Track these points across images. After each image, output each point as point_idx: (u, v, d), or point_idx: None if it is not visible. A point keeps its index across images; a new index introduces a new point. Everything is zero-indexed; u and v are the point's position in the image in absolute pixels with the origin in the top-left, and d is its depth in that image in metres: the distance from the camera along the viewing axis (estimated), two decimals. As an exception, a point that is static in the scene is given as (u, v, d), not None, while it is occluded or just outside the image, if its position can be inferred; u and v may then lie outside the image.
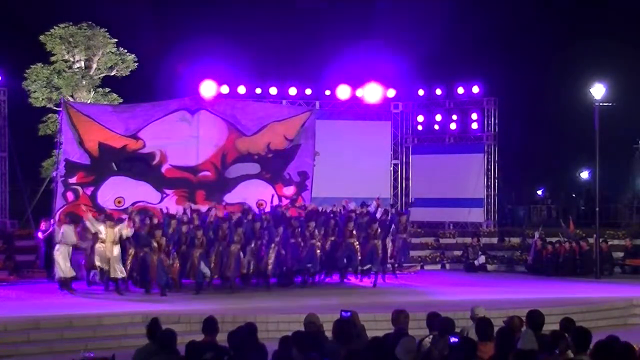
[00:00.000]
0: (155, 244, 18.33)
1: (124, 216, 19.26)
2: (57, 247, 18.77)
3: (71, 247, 18.86)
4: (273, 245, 19.65)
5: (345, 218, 20.84)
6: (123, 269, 18.37)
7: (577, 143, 37.47)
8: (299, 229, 20.19)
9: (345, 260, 20.65)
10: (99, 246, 18.39)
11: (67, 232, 18.77)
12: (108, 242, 18.30)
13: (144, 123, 21.48)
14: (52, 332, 14.62)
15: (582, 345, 7.60)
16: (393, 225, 21.37)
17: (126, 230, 18.51)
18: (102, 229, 18.42)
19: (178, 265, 18.83)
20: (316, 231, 20.22)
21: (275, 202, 22.06)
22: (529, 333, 8.05)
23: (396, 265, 21.91)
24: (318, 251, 20.21)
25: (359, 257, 20.58)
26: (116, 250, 18.36)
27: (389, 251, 21.31)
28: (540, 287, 20.64)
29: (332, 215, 21.15)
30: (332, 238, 20.63)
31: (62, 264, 18.51)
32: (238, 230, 19.31)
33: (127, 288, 18.70)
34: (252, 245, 19.56)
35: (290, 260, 20.01)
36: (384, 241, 21.09)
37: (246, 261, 19.45)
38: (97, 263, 18.48)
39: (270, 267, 19.63)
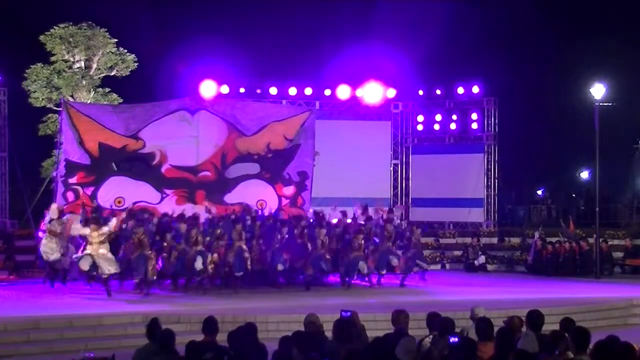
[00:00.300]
0: (136, 239, 18.17)
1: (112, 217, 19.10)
2: (41, 241, 18.79)
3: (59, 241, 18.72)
4: (275, 243, 19.52)
5: (357, 229, 20.59)
6: (116, 266, 18.05)
7: (577, 143, 37.49)
8: (306, 230, 20.00)
9: (355, 276, 20.53)
10: (88, 249, 18.07)
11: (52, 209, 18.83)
12: (95, 243, 18.08)
13: (144, 123, 21.52)
14: (52, 332, 14.60)
15: (582, 345, 7.61)
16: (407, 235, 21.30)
17: (113, 225, 18.29)
18: (87, 232, 18.09)
19: (175, 261, 18.69)
20: (326, 239, 20.01)
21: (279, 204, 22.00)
22: (530, 335, 8.02)
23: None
24: (327, 256, 20.01)
25: (368, 264, 20.35)
26: (103, 249, 18.05)
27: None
28: (540, 287, 20.63)
29: (340, 225, 21.03)
30: (333, 247, 20.51)
31: (47, 248, 18.52)
32: (237, 227, 19.22)
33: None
34: (254, 243, 19.51)
35: (295, 261, 19.78)
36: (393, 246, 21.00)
37: (248, 259, 19.20)
38: (84, 268, 18.05)
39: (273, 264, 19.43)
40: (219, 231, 19.26)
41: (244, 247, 19.19)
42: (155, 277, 18.39)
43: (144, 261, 18.05)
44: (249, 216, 20.57)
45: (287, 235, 19.86)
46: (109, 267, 18.02)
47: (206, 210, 20.75)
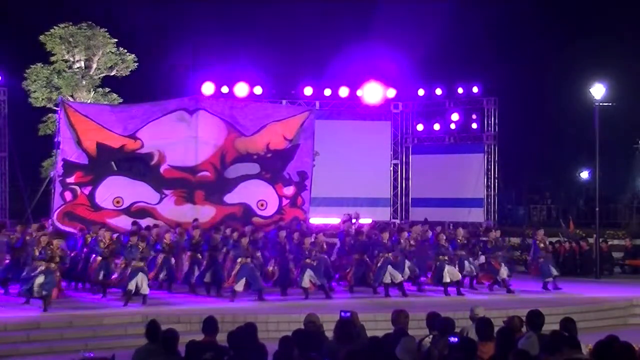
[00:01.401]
0: (49, 252, 16.45)
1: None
2: None
3: None
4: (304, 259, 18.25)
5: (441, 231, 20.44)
6: None
7: (577, 143, 37.42)
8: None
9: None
10: None
11: None
12: None
13: (143, 123, 21.50)
14: (52, 332, 14.61)
15: (577, 345, 7.64)
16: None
17: None
18: None
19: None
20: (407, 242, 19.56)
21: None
22: (532, 337, 8.00)
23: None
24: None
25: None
26: None
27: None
28: (541, 287, 20.61)
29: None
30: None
31: None
32: (242, 241, 17.84)
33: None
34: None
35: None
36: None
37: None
38: None
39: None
40: (212, 242, 18.48)
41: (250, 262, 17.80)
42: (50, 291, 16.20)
43: (50, 276, 16.13)
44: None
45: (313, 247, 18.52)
46: None
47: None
